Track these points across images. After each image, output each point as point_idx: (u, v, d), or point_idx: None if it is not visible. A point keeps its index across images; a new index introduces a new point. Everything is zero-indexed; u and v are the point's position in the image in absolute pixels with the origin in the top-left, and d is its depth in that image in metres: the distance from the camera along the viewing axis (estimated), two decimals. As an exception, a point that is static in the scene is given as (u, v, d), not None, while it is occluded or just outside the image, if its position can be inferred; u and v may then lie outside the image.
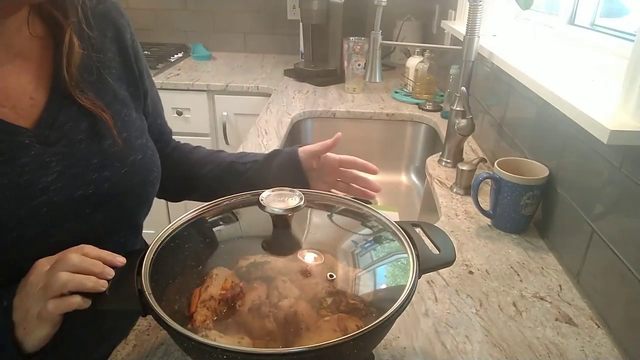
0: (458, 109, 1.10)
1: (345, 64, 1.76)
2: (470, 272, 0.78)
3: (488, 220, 0.93)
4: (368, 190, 0.82)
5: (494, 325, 0.67)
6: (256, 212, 0.56)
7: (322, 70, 1.93)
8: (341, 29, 1.84)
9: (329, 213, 0.64)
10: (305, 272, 0.51)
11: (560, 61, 1.00)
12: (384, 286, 0.54)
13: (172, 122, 1.02)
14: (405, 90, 1.77)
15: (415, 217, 1.36)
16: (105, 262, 0.50)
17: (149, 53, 2.17)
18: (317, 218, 0.63)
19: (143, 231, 0.76)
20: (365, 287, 0.53)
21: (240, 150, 1.26)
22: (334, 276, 0.51)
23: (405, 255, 0.54)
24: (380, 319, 0.44)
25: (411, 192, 1.59)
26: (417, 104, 1.66)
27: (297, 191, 0.58)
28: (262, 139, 1.37)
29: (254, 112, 1.71)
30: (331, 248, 0.56)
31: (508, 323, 0.67)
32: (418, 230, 0.59)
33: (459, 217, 0.95)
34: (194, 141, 0.93)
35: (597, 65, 0.92)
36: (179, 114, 1.92)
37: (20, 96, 0.57)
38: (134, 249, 0.63)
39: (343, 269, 0.54)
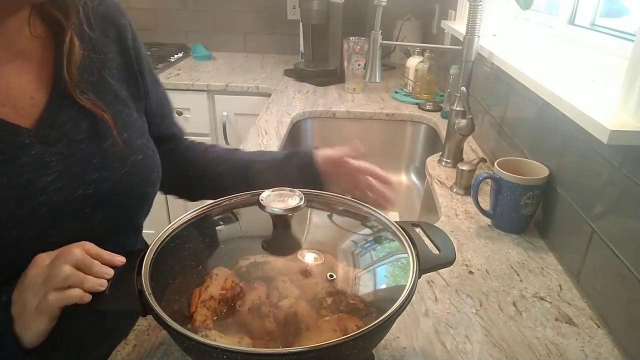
0: (458, 109, 1.10)
1: (345, 64, 1.76)
2: (470, 272, 0.78)
3: (488, 220, 0.93)
4: (382, 201, 0.79)
5: (494, 325, 0.67)
6: (256, 212, 0.56)
7: (322, 70, 1.93)
8: (341, 29, 1.84)
9: (329, 213, 0.64)
10: (305, 272, 0.51)
11: (560, 61, 1.00)
12: (384, 286, 0.54)
13: (172, 122, 1.02)
14: (405, 90, 1.77)
15: (415, 217, 1.36)
16: (104, 262, 0.50)
17: (149, 53, 2.17)
18: (317, 218, 0.63)
19: (143, 231, 0.76)
20: (365, 287, 0.53)
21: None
22: (334, 276, 0.51)
23: (405, 255, 0.54)
24: (380, 319, 0.44)
25: (411, 192, 1.59)
26: (417, 104, 1.66)
27: (297, 191, 0.58)
28: (262, 138, 1.37)
29: (254, 112, 1.71)
30: (331, 248, 0.56)
31: (508, 323, 0.67)
32: (418, 230, 0.59)
33: (459, 217, 0.95)
34: (194, 141, 0.92)
35: (597, 65, 0.92)
36: (179, 114, 1.92)
37: (21, 96, 0.57)
38: (134, 249, 0.63)
39: (343, 269, 0.54)
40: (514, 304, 0.71)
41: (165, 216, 2.01)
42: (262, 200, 0.56)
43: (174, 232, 0.57)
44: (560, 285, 0.75)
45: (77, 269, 0.48)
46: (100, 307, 0.47)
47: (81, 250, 0.49)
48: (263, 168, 0.81)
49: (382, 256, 0.57)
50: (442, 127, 1.43)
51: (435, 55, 1.65)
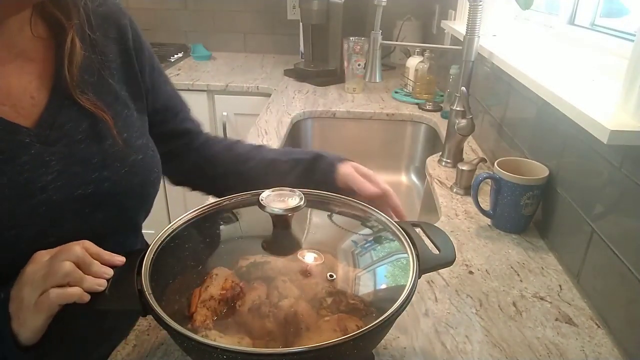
0: (458, 109, 1.10)
1: (345, 64, 1.76)
2: (470, 272, 0.78)
3: (488, 220, 0.93)
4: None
5: (494, 325, 0.67)
6: (256, 212, 0.56)
7: (322, 70, 1.93)
8: (341, 29, 1.84)
9: (329, 213, 0.64)
10: (305, 272, 0.51)
11: (560, 61, 1.00)
12: (384, 286, 0.54)
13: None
14: (405, 90, 1.77)
15: (415, 217, 1.36)
16: (104, 262, 0.50)
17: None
18: (317, 218, 0.63)
19: (143, 231, 0.76)
20: (365, 287, 0.53)
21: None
22: (334, 276, 0.51)
23: (405, 255, 0.54)
24: (380, 319, 0.44)
25: (411, 192, 1.59)
26: (417, 104, 1.66)
27: (297, 191, 0.58)
28: (262, 138, 1.37)
29: (254, 112, 1.71)
30: (331, 248, 0.56)
31: (508, 323, 0.67)
32: (418, 230, 0.59)
33: (459, 217, 0.95)
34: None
35: (597, 65, 0.92)
36: (179, 113, 1.92)
37: (21, 95, 0.57)
38: (134, 249, 0.63)
39: (343, 269, 0.54)
40: (514, 304, 0.71)
41: (165, 216, 2.01)
42: (262, 200, 0.56)
43: (174, 232, 0.57)
44: (560, 285, 0.75)
45: (76, 267, 0.48)
46: (100, 307, 0.47)
47: (81, 247, 0.49)
48: (287, 169, 0.78)
49: (382, 256, 0.57)
50: (442, 127, 1.43)
51: (435, 55, 1.66)
